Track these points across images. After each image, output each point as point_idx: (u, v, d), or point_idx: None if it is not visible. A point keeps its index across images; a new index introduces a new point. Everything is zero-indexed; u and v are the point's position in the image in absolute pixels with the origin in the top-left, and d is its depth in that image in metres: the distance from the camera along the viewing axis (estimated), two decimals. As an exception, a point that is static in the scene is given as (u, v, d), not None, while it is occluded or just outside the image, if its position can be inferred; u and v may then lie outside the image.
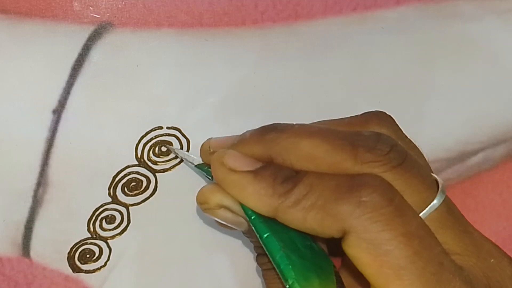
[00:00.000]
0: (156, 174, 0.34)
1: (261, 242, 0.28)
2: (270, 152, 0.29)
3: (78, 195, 0.33)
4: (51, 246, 0.33)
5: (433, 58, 0.37)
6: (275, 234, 0.28)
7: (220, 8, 0.34)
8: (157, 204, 0.34)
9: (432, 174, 0.29)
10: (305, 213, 0.27)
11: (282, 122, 0.30)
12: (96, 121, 0.33)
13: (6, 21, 0.32)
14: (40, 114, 0.32)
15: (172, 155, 0.34)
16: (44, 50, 0.32)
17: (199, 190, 0.30)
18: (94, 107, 0.32)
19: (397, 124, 0.31)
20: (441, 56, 0.38)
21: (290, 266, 0.27)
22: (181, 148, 0.34)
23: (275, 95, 0.35)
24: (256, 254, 0.32)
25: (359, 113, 0.31)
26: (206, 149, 0.33)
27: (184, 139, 0.34)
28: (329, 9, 0.36)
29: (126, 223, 0.34)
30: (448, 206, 0.28)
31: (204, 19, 0.34)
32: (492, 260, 0.28)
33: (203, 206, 0.30)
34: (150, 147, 0.33)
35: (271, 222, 0.28)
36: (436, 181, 0.28)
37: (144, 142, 0.33)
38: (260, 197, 0.28)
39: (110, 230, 0.33)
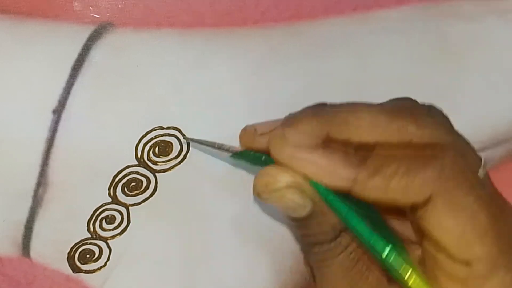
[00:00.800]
0: (156, 174, 0.34)
1: (342, 219, 0.27)
2: (327, 128, 0.27)
3: (78, 195, 0.33)
4: (52, 246, 0.33)
5: (433, 58, 0.37)
6: (355, 210, 0.27)
7: (221, 8, 0.34)
8: (157, 204, 0.34)
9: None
10: (387, 181, 0.26)
11: None
12: (96, 121, 0.33)
13: (6, 21, 0.32)
14: (40, 114, 0.32)
15: (172, 155, 0.34)
16: (44, 50, 0.32)
17: (261, 172, 0.28)
18: (94, 107, 0.32)
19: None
20: (442, 56, 0.37)
21: (380, 239, 0.26)
22: (181, 149, 0.34)
23: (276, 95, 0.35)
24: (308, 244, 0.29)
25: None
26: (251, 133, 0.30)
27: (184, 139, 0.34)
28: (330, 9, 0.36)
29: (126, 223, 0.34)
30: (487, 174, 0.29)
31: (205, 19, 0.34)
32: None
33: (269, 187, 0.27)
34: (150, 147, 0.33)
35: (345, 200, 0.27)
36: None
37: (144, 142, 0.33)
38: (335, 170, 0.27)
39: (110, 230, 0.34)
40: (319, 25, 0.36)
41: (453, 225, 0.26)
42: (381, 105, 0.28)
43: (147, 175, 0.34)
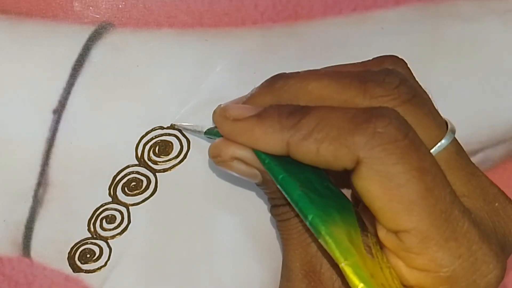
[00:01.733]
0: (156, 174, 0.34)
1: (277, 185, 0.27)
2: (279, 100, 0.28)
3: (78, 195, 0.33)
4: (52, 246, 0.33)
5: (432, 59, 0.37)
6: (292, 175, 0.27)
7: (220, 9, 0.34)
8: (157, 204, 0.34)
9: (441, 115, 0.29)
10: (317, 145, 0.26)
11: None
12: (97, 121, 0.33)
13: (6, 21, 0.32)
14: (41, 114, 0.32)
15: (172, 155, 0.34)
16: (45, 50, 0.32)
17: (211, 144, 0.30)
18: (94, 107, 0.33)
19: (409, 68, 0.30)
20: (441, 56, 0.38)
21: (309, 203, 0.26)
22: (181, 149, 0.34)
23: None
24: (270, 205, 0.31)
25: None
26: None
27: (184, 139, 0.34)
28: (329, 10, 0.36)
29: (126, 223, 0.34)
30: (457, 147, 0.28)
31: (204, 20, 0.34)
32: (496, 204, 0.28)
33: (217, 159, 0.29)
34: (150, 147, 0.33)
35: (287, 164, 0.27)
36: (446, 122, 0.28)
37: (144, 142, 0.33)
38: (269, 135, 0.27)
39: (110, 230, 0.33)
40: (317, 26, 0.36)
41: (380, 193, 0.25)
42: (335, 72, 0.28)
43: (147, 175, 0.34)
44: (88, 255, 0.33)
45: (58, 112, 0.32)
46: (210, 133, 0.32)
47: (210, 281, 0.35)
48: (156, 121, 0.33)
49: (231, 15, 0.34)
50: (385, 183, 0.25)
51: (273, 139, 0.27)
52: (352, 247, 0.25)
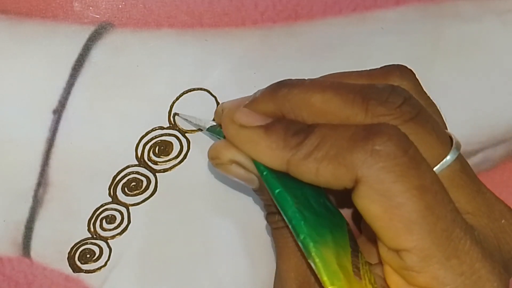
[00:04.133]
0: (156, 174, 0.34)
1: (273, 198, 0.27)
2: (281, 109, 0.28)
3: (78, 195, 0.33)
4: (52, 246, 0.33)
5: (432, 59, 0.37)
6: (288, 190, 0.27)
7: (220, 9, 0.34)
8: (157, 204, 0.34)
9: (446, 131, 0.28)
10: (317, 164, 0.26)
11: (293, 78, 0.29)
12: (97, 121, 0.33)
13: (6, 21, 0.32)
14: (41, 114, 0.32)
15: (172, 155, 0.34)
16: (45, 50, 0.32)
17: (212, 145, 0.30)
18: (94, 107, 0.33)
19: (417, 79, 0.30)
20: (441, 56, 0.38)
21: (302, 221, 0.26)
22: (181, 149, 0.34)
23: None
24: (266, 212, 0.31)
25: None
26: (219, 112, 0.32)
27: (184, 139, 0.34)
28: (328, 10, 0.36)
29: (126, 223, 0.34)
30: (461, 164, 0.27)
31: (204, 20, 0.34)
32: (503, 221, 0.27)
33: (215, 161, 0.29)
34: (150, 147, 0.33)
35: (284, 178, 0.27)
36: (451, 138, 0.28)
37: (144, 142, 0.33)
38: (271, 151, 0.27)
39: (110, 230, 0.34)
40: (317, 26, 0.36)
41: (380, 213, 0.25)
42: (339, 85, 0.28)
43: (147, 175, 0.34)
44: (88, 255, 0.33)
45: (58, 112, 0.32)
46: (212, 131, 0.32)
47: (210, 281, 0.35)
48: (156, 121, 0.33)
49: (231, 15, 0.34)
50: (385, 202, 0.25)
51: (275, 155, 0.27)
52: (340, 271, 0.25)
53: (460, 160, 0.27)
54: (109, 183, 0.33)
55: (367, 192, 0.25)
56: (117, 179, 0.33)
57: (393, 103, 0.27)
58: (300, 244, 0.26)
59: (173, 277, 0.34)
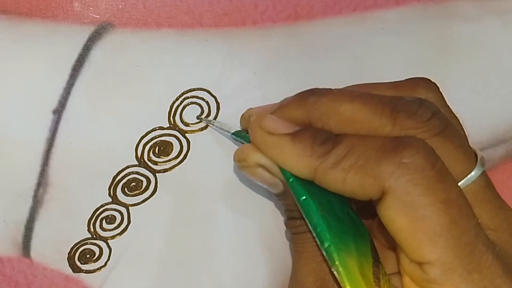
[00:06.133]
0: (156, 174, 0.34)
1: (298, 205, 0.27)
2: (309, 117, 0.28)
3: (78, 195, 0.33)
4: (52, 246, 0.33)
5: (432, 59, 0.37)
6: (313, 197, 0.27)
7: (220, 9, 0.34)
8: (157, 204, 0.34)
9: (471, 146, 0.29)
10: (344, 174, 0.26)
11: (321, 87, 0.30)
12: (96, 121, 0.33)
13: (6, 21, 0.32)
14: (41, 114, 0.32)
15: (172, 155, 0.34)
16: (45, 51, 0.32)
17: (239, 148, 0.30)
18: (94, 107, 0.33)
19: (441, 92, 0.30)
20: (441, 56, 0.38)
21: (327, 229, 0.26)
22: (181, 149, 0.34)
23: (275, 95, 0.35)
24: (286, 218, 0.31)
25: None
26: (246, 118, 0.32)
27: (184, 140, 0.34)
28: (329, 10, 0.36)
29: (126, 223, 0.34)
30: (485, 180, 0.28)
31: (204, 20, 0.34)
32: None
33: (242, 163, 0.30)
34: (150, 147, 0.33)
35: (310, 185, 0.27)
36: (475, 154, 0.28)
37: (144, 142, 0.33)
38: (299, 158, 0.27)
39: (110, 230, 0.33)
40: (317, 26, 0.36)
41: (405, 224, 0.25)
42: (368, 96, 0.28)
43: (147, 175, 0.34)
44: (88, 256, 0.33)
45: (58, 112, 0.32)
46: (238, 135, 0.32)
47: (210, 281, 0.35)
48: (156, 121, 0.33)
49: (231, 15, 0.34)
50: (410, 214, 0.25)
51: (302, 163, 0.27)
52: (362, 280, 0.26)
53: (484, 176, 0.28)
54: (109, 183, 0.33)
55: (393, 203, 0.25)
56: (117, 179, 0.33)
57: (422, 116, 0.27)
58: (324, 252, 0.26)
59: (173, 277, 0.34)
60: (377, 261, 0.28)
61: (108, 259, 0.34)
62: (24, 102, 0.32)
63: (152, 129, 0.33)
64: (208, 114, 0.34)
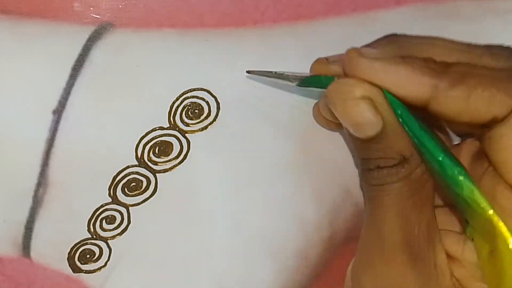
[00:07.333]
0: (156, 174, 0.34)
1: (412, 137, 0.26)
2: (403, 50, 0.27)
3: (78, 195, 0.33)
4: (52, 246, 0.33)
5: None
6: (425, 131, 0.26)
7: (221, 9, 0.34)
8: (157, 204, 0.34)
9: None
10: (470, 91, 0.24)
11: None
12: (97, 121, 0.33)
13: (7, 21, 0.31)
14: (41, 115, 0.32)
15: (172, 155, 0.34)
16: (45, 50, 0.32)
17: (338, 81, 0.27)
18: (94, 107, 0.33)
19: None
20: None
21: (450, 159, 0.25)
22: (181, 149, 0.34)
23: (275, 95, 0.35)
24: (367, 168, 0.28)
25: None
26: (323, 61, 0.30)
27: (184, 139, 0.34)
28: (329, 10, 0.36)
29: (126, 223, 0.34)
30: None
31: (205, 20, 0.34)
32: None
33: (344, 95, 0.26)
34: (150, 147, 0.33)
35: (416, 120, 0.26)
36: None
37: (144, 142, 0.33)
38: (415, 78, 0.25)
39: (110, 230, 0.34)
40: (318, 26, 0.36)
41: None
42: (453, 41, 0.27)
43: (147, 175, 0.34)
44: (88, 256, 0.33)
45: (58, 112, 0.32)
46: (309, 83, 0.29)
47: (210, 281, 0.35)
48: (156, 121, 0.33)
49: (232, 15, 0.34)
50: None
51: (419, 82, 0.25)
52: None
53: None
54: (109, 183, 0.33)
55: None
56: (117, 179, 0.33)
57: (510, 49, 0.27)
58: (450, 180, 0.25)
59: (173, 277, 0.34)
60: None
61: (108, 259, 0.34)
62: (24, 102, 0.32)
63: (152, 129, 0.33)
64: (208, 114, 0.34)
